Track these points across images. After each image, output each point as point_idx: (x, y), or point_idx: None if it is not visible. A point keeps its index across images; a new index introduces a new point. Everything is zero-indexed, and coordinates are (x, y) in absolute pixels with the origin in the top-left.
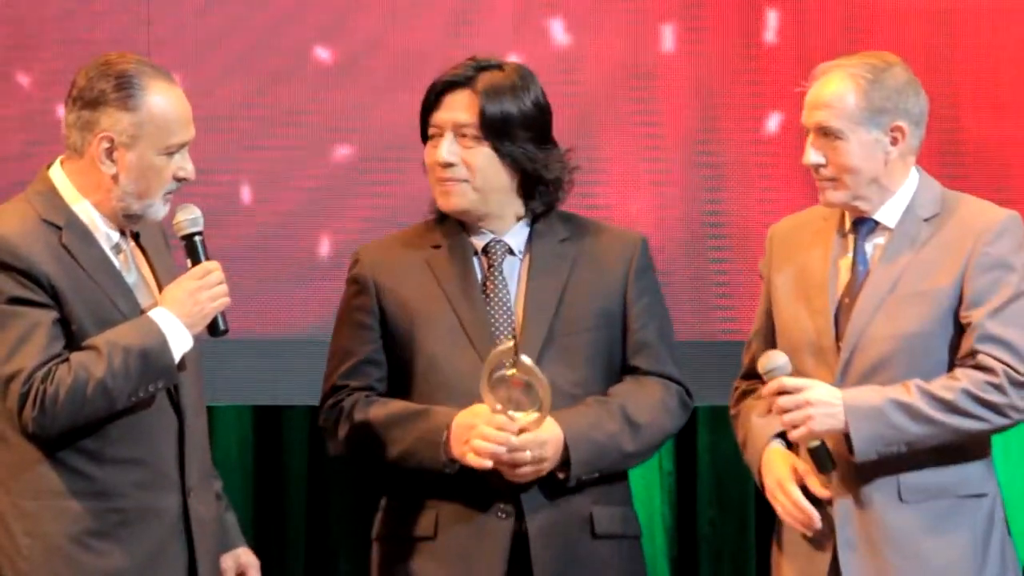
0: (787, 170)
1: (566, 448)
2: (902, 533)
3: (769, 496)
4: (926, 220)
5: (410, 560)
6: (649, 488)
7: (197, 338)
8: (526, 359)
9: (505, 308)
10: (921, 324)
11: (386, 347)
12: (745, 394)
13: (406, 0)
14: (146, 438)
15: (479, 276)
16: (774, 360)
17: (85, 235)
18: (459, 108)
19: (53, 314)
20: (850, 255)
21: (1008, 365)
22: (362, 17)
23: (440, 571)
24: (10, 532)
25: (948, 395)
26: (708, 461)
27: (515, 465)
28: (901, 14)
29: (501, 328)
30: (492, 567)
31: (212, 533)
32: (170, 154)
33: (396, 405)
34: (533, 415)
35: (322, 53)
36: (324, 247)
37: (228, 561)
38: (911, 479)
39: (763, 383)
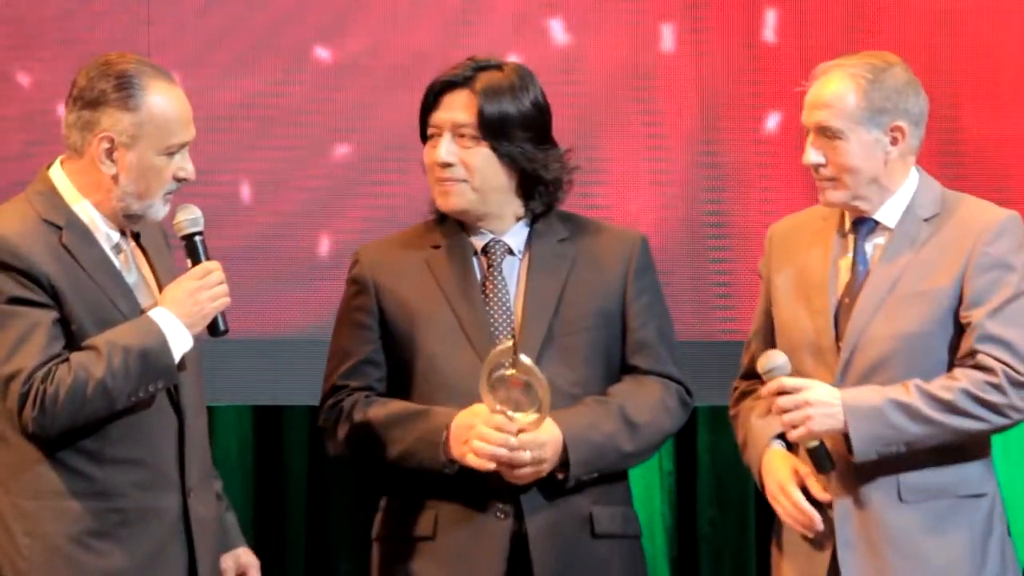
0: (787, 170)
1: (565, 449)
2: (902, 533)
3: (770, 498)
4: (926, 220)
5: (410, 560)
6: (649, 488)
7: (197, 338)
8: (525, 359)
9: (504, 308)
10: (921, 324)
11: (386, 347)
12: (744, 394)
13: (406, 0)
14: (146, 438)
15: (478, 276)
16: (773, 360)
17: (85, 235)
18: (457, 108)
19: (53, 314)
20: (850, 255)
21: (1007, 365)
22: (362, 17)
23: (439, 571)
24: (10, 532)
25: (947, 395)
26: (708, 461)
27: (514, 466)
28: (902, 14)
29: (500, 328)
30: (491, 567)
31: (212, 533)
32: (170, 154)
33: (395, 405)
34: (532, 416)
35: (322, 53)
36: (324, 247)
37: (228, 561)
38: (911, 479)
39: (762, 383)
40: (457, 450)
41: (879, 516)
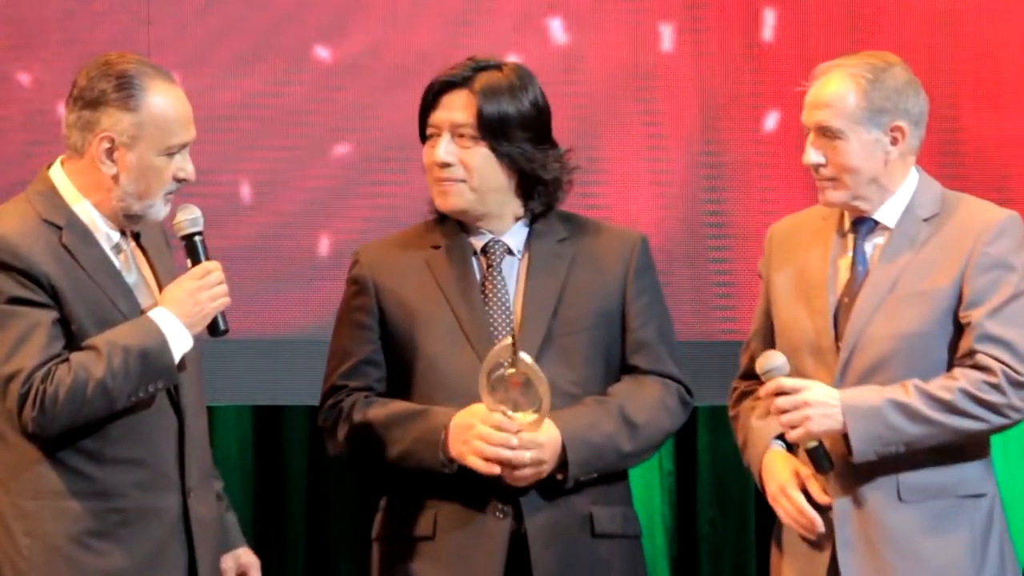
0: (787, 170)
1: (564, 449)
2: (901, 533)
3: (771, 500)
4: (926, 220)
5: (409, 560)
6: (649, 488)
7: (197, 338)
8: (525, 356)
9: (504, 308)
10: (920, 324)
11: (385, 347)
12: (744, 395)
13: (406, 0)
14: (146, 438)
15: (478, 276)
16: (772, 361)
17: (85, 235)
18: (456, 108)
19: (53, 314)
20: (849, 255)
21: (1007, 365)
22: (362, 17)
23: (439, 571)
24: (10, 532)
25: (946, 395)
26: (708, 461)
27: (515, 467)
28: (902, 14)
29: (500, 328)
30: (490, 567)
31: (212, 533)
32: (170, 155)
33: (395, 405)
34: (531, 416)
35: (322, 53)
36: (324, 247)
37: (228, 561)
38: (910, 479)
39: (762, 384)
40: (456, 450)
41: (879, 516)
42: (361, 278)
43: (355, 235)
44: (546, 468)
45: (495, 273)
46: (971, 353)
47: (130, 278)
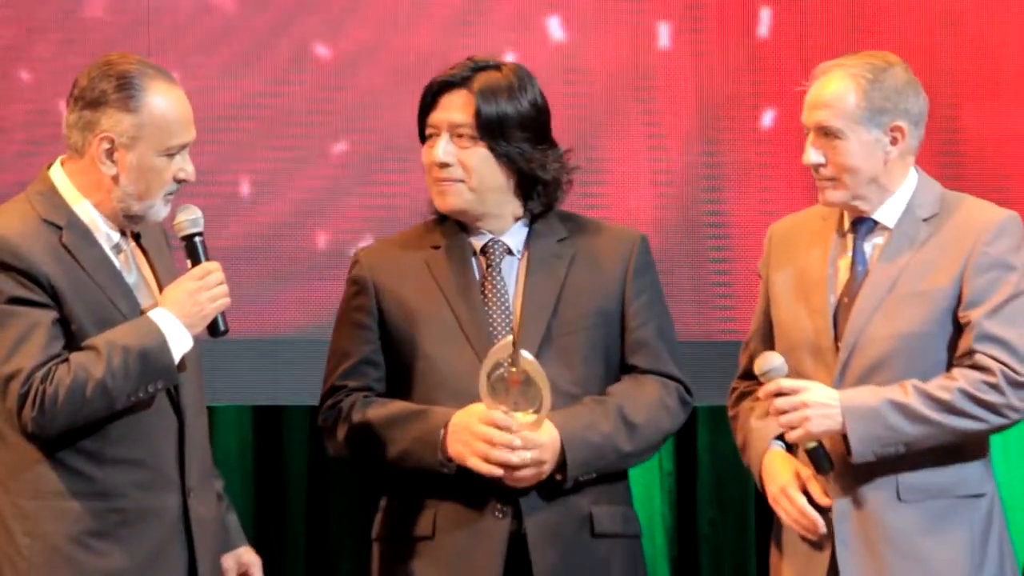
0: (787, 170)
1: (563, 450)
2: (900, 533)
3: (772, 502)
4: (925, 220)
5: (409, 560)
6: (649, 488)
7: (197, 338)
8: (526, 354)
9: (503, 308)
10: (920, 324)
11: (385, 347)
12: (743, 395)
13: (406, 0)
14: (146, 438)
15: (477, 276)
16: (770, 362)
17: (86, 235)
18: (455, 108)
19: (53, 314)
20: (849, 255)
21: (1005, 365)
22: (362, 17)
23: (439, 571)
24: (10, 532)
25: (945, 395)
26: (708, 461)
27: (515, 468)
28: (902, 14)
29: (499, 328)
30: (490, 567)
31: (212, 533)
32: (170, 155)
33: (394, 405)
34: (531, 417)
35: (322, 52)
36: (324, 247)
37: (230, 561)
38: (910, 479)
39: (761, 384)
40: (455, 450)
41: (878, 516)
42: (361, 278)
43: (355, 235)
44: (546, 469)
45: (495, 273)
46: (970, 353)
47: (130, 278)
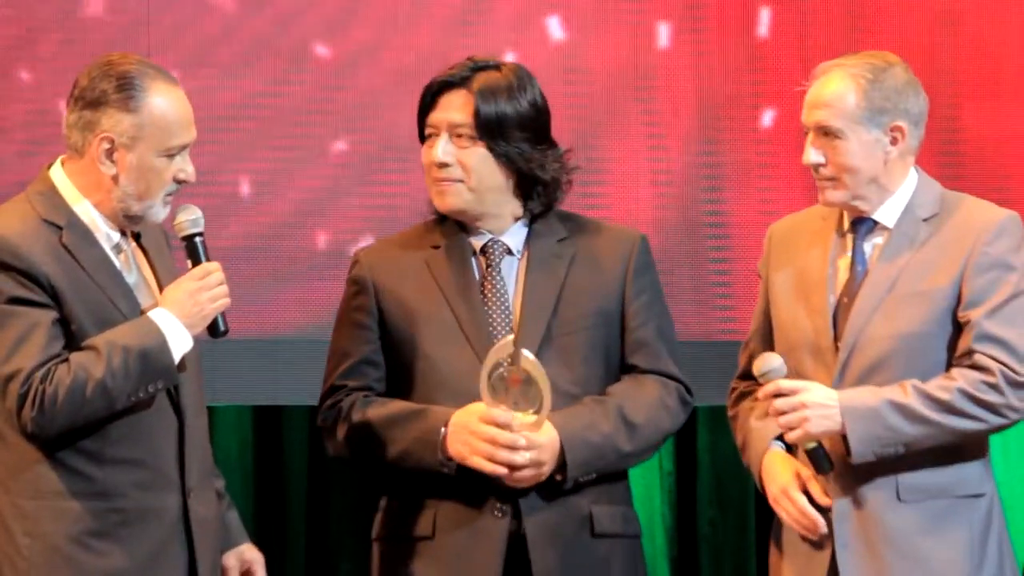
0: (787, 170)
1: (562, 450)
2: (900, 533)
3: (772, 502)
4: (925, 220)
5: (409, 560)
6: (649, 488)
7: (197, 338)
8: (527, 353)
9: (503, 308)
10: (919, 324)
11: (385, 347)
12: (743, 395)
13: (406, 0)
14: (146, 438)
15: (477, 276)
16: (769, 363)
17: (86, 235)
18: (454, 108)
19: (53, 314)
20: (849, 255)
21: (1005, 364)
22: (362, 17)
23: (438, 571)
24: (10, 532)
25: (944, 395)
26: (708, 461)
27: (515, 468)
28: (902, 14)
29: (499, 328)
30: (489, 567)
31: (212, 533)
32: (170, 156)
33: (394, 405)
34: (531, 417)
35: (322, 52)
36: (324, 247)
37: (232, 559)
38: (909, 479)
39: (760, 384)
40: (455, 449)
41: (878, 516)
42: (361, 278)
43: (355, 235)
44: (545, 470)
45: (494, 273)
46: (969, 353)
47: (130, 278)
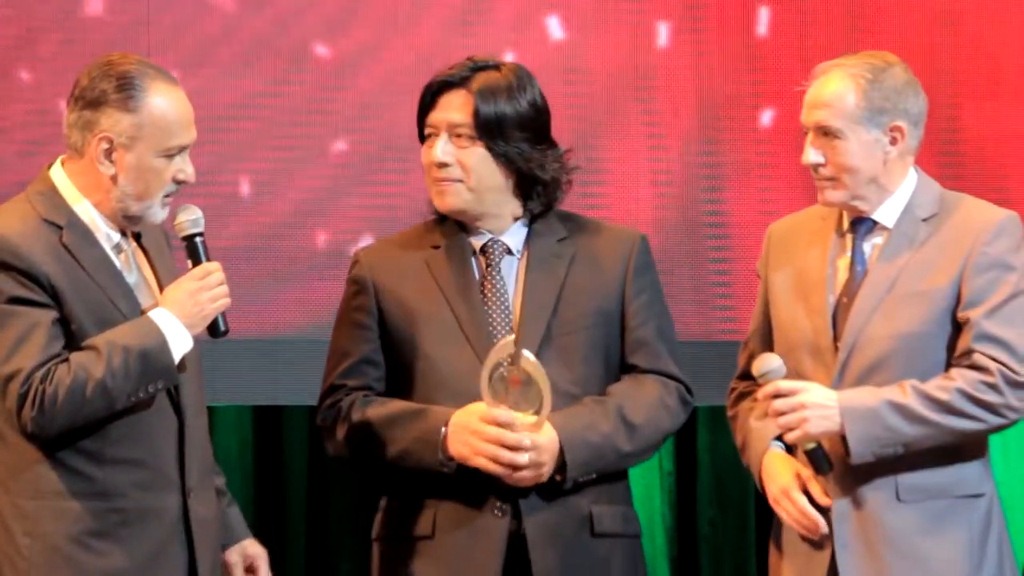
0: (787, 170)
1: (562, 451)
2: (900, 533)
3: (772, 503)
4: (924, 220)
5: (409, 560)
6: (649, 488)
7: (197, 338)
8: (528, 353)
9: (503, 307)
10: (919, 324)
11: (385, 347)
12: (742, 395)
13: (406, 0)
14: (146, 438)
15: (477, 276)
16: (768, 363)
17: (86, 235)
18: (454, 108)
19: (53, 314)
20: (848, 255)
21: (1004, 364)
22: (362, 17)
23: (438, 571)
24: (9, 532)
25: (943, 395)
26: (708, 461)
27: (515, 468)
28: (902, 14)
29: (499, 328)
30: (489, 566)
31: (212, 533)
32: (169, 156)
33: (394, 405)
34: (531, 418)
35: (322, 52)
36: (324, 247)
37: (235, 555)
38: (909, 479)
39: (760, 384)
40: (455, 449)
41: (877, 516)
42: (361, 278)
43: (355, 235)
44: (545, 471)
45: (494, 273)
46: (968, 353)
47: (131, 278)
